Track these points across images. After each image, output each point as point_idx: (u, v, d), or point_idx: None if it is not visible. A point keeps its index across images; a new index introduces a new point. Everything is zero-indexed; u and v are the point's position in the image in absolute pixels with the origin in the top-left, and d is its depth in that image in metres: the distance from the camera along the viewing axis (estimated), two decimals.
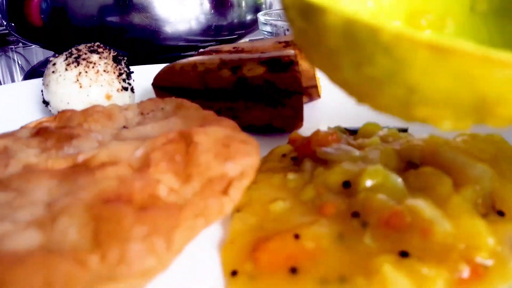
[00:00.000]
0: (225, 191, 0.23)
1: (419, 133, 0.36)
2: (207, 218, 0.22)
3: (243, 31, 0.81)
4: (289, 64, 0.38)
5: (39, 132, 0.28)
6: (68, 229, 0.16)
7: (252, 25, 0.82)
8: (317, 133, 0.32)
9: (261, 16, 0.64)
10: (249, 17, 0.79)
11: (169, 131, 0.26)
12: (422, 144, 0.28)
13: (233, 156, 0.24)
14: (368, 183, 0.25)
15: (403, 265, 0.20)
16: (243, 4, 0.77)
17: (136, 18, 0.69)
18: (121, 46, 0.74)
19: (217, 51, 0.48)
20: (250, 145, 0.26)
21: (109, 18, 0.70)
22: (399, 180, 0.25)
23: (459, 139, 0.28)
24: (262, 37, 0.72)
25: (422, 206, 0.22)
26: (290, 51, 0.41)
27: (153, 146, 0.25)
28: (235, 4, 0.75)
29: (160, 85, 0.43)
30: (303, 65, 0.44)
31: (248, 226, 0.25)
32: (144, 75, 0.52)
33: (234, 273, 0.22)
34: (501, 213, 0.24)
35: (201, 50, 0.50)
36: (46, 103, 0.41)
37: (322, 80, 0.48)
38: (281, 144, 0.36)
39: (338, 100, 0.46)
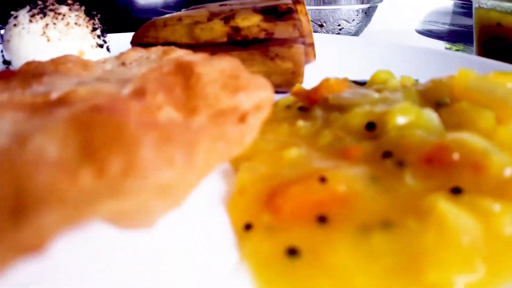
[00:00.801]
0: (241, 120, 0.18)
1: None
2: (228, 144, 0.17)
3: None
4: (287, 12, 0.34)
5: (2, 76, 0.23)
6: (45, 146, 0.12)
7: None
8: (327, 80, 0.29)
9: None
10: None
11: (160, 65, 0.22)
12: (450, 81, 0.24)
13: (243, 87, 0.20)
14: (400, 120, 0.21)
15: (461, 201, 0.17)
16: None
17: None
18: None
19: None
20: (260, 78, 0.21)
21: None
22: (434, 115, 0.22)
23: (489, 76, 0.25)
24: None
25: (471, 138, 0.19)
26: (287, 0, 0.37)
27: (144, 81, 0.20)
28: None
29: (141, 42, 0.38)
30: (301, 18, 0.40)
31: (259, 175, 0.21)
32: (119, 42, 0.47)
33: (248, 226, 0.18)
34: None
35: (184, 9, 0.45)
36: (7, 63, 0.36)
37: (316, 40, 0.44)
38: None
39: (333, 61, 0.43)
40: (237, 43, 0.34)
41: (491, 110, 0.21)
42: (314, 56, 0.43)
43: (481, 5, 0.43)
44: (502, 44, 0.41)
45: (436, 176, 0.18)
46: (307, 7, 0.52)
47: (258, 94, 0.20)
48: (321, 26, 0.54)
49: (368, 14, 0.56)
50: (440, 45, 0.96)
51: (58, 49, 0.33)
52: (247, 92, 0.20)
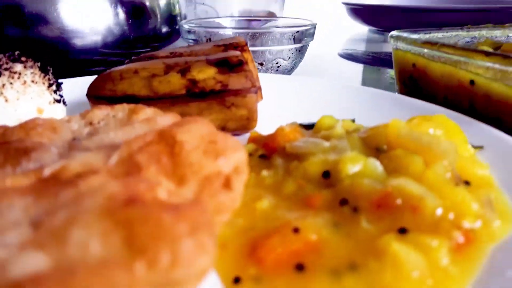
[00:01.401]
0: (227, 186, 0.21)
1: (366, 122, 0.38)
2: (223, 214, 0.20)
3: (158, 44, 0.78)
4: (239, 64, 0.38)
5: None
6: (87, 242, 0.13)
7: (168, 37, 0.79)
8: (282, 129, 0.32)
9: (184, 25, 0.63)
10: (164, 29, 0.77)
11: (142, 134, 0.24)
12: (384, 130, 0.29)
13: (222, 151, 0.23)
14: (350, 169, 0.26)
15: (408, 240, 0.21)
16: (159, 15, 0.75)
17: (42, 30, 0.62)
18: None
19: (153, 58, 0.45)
20: (233, 139, 0.25)
21: (10, 30, 0.62)
22: (377, 163, 0.26)
23: (415, 121, 0.31)
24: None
25: (409, 184, 0.23)
26: (236, 52, 0.40)
27: (130, 151, 0.22)
28: (151, 15, 0.72)
29: (97, 95, 0.39)
30: (249, 66, 0.44)
31: (238, 229, 0.24)
32: (71, 88, 0.48)
33: (237, 280, 0.21)
34: (467, 183, 0.26)
35: (134, 57, 0.47)
36: None
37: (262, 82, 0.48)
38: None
39: (278, 99, 0.47)
40: (195, 95, 0.37)
41: (419, 156, 0.26)
42: (261, 97, 0.47)
43: (398, 47, 0.50)
44: (418, 82, 0.48)
45: (386, 219, 0.23)
46: (251, 48, 0.57)
47: (234, 157, 0.23)
48: (261, 64, 0.59)
49: (301, 51, 0.61)
50: (360, 67, 1.06)
51: (16, 109, 0.34)
52: (226, 156, 0.23)
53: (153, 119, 0.28)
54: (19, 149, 0.23)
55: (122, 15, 0.66)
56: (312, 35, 0.63)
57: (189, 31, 0.62)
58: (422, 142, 0.27)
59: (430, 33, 0.53)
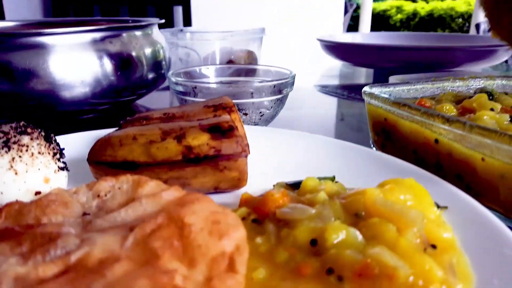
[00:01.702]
0: (232, 268, 0.24)
1: (345, 181, 0.42)
2: None
3: (145, 91, 0.81)
4: (229, 130, 0.42)
5: (3, 235, 0.26)
6: None
7: (154, 83, 0.83)
8: (271, 194, 0.36)
9: (171, 77, 0.67)
10: (150, 76, 0.80)
11: (153, 215, 0.27)
12: (362, 197, 0.34)
13: (225, 231, 0.26)
14: (334, 238, 0.30)
15: None
16: (145, 63, 0.78)
17: (32, 84, 0.64)
18: (15, 115, 0.68)
19: (147, 118, 0.49)
20: (232, 216, 0.28)
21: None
22: (357, 232, 0.30)
23: (388, 187, 0.35)
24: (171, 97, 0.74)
25: (385, 255, 0.27)
26: (226, 117, 0.44)
27: (143, 233, 0.25)
28: (138, 64, 0.75)
29: (98, 160, 0.42)
30: (237, 125, 0.48)
31: None
32: (68, 145, 0.50)
33: None
34: (434, 246, 0.31)
35: (128, 118, 0.50)
36: None
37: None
38: (229, 201, 0.40)
39: (264, 155, 0.51)
40: (190, 160, 0.40)
41: (393, 224, 0.31)
42: (249, 151, 0.51)
43: (370, 102, 0.56)
44: (390, 135, 0.53)
45: (368, 286, 0.26)
46: (234, 101, 0.61)
47: (236, 235, 0.27)
48: (246, 114, 0.63)
49: (282, 100, 0.66)
50: (335, 101, 1.13)
51: (25, 181, 0.36)
52: (228, 236, 0.26)
53: (158, 194, 0.31)
54: (44, 235, 0.26)
55: (110, 67, 0.69)
56: (292, 84, 0.68)
57: (176, 83, 0.66)
58: (395, 210, 0.31)
59: (400, 86, 0.59)
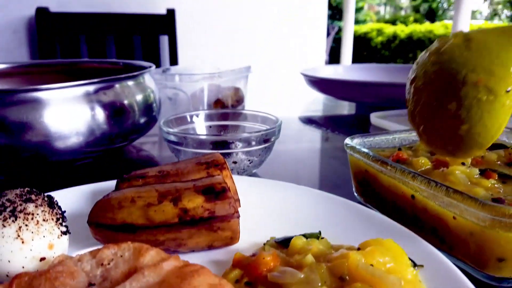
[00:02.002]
0: None
1: (330, 235, 0.46)
2: None
3: (137, 135, 0.84)
4: (222, 191, 0.45)
5: None
6: None
7: (146, 127, 0.86)
8: (262, 257, 0.39)
9: (163, 127, 0.70)
10: (142, 120, 0.83)
11: None
12: (344, 261, 0.37)
13: None
14: None
15: None
16: (137, 109, 0.81)
17: (27, 136, 0.66)
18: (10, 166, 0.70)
19: (143, 177, 0.52)
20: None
21: None
22: None
23: (369, 249, 0.39)
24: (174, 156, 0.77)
25: None
26: (218, 177, 0.47)
27: None
28: (130, 111, 0.78)
29: (99, 223, 0.44)
30: (228, 182, 0.51)
31: None
32: (65, 202, 0.52)
33: None
34: None
35: (125, 176, 0.52)
36: None
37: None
38: (222, 257, 0.42)
39: (254, 207, 0.54)
40: (186, 222, 0.43)
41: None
42: (239, 205, 0.54)
43: (352, 154, 0.60)
44: (371, 185, 0.57)
45: None
46: (224, 151, 0.64)
47: None
48: (235, 162, 0.66)
49: (269, 148, 0.70)
50: (319, 135, 1.17)
51: (31, 249, 0.38)
52: None
53: (159, 265, 0.34)
54: None
55: (103, 117, 0.72)
56: (278, 132, 0.72)
57: (168, 133, 0.69)
58: (375, 276, 0.35)
59: (380, 136, 0.63)
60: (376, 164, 0.53)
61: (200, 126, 0.79)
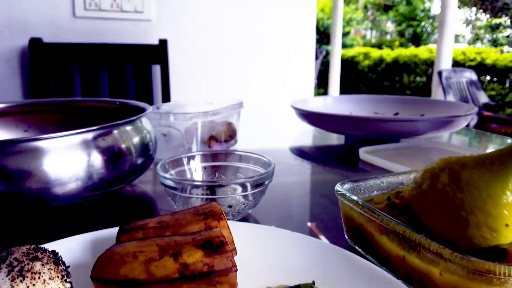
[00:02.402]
0: None
1: (323, 283, 0.48)
2: None
3: (134, 177, 0.86)
4: (220, 245, 0.47)
5: None
6: None
7: (143, 168, 0.88)
8: None
9: (160, 171, 0.72)
10: (139, 161, 0.85)
11: None
12: None
13: None
14: None
15: None
16: (134, 151, 0.83)
17: (26, 184, 0.68)
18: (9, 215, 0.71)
19: (143, 228, 0.53)
20: None
21: None
22: None
23: None
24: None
25: None
26: (216, 230, 0.50)
27: None
28: (127, 154, 0.81)
29: (102, 278, 0.46)
30: (225, 233, 0.53)
31: None
32: (66, 253, 0.54)
33: None
34: None
35: (125, 227, 0.54)
36: None
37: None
38: None
39: (250, 257, 0.56)
40: (186, 277, 0.45)
41: None
42: (236, 254, 0.56)
43: (343, 201, 0.62)
44: (362, 233, 0.59)
45: None
46: (220, 197, 0.66)
47: None
48: (230, 206, 0.69)
49: (263, 190, 0.72)
50: (309, 165, 1.20)
51: None
52: None
53: None
54: None
55: (101, 162, 0.74)
56: (271, 175, 0.74)
57: (164, 177, 0.71)
58: None
59: (370, 181, 0.66)
60: (366, 214, 0.56)
61: (196, 167, 0.82)
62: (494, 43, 13.46)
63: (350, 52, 14.02)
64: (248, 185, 0.68)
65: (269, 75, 2.94)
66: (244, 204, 0.70)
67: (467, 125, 1.55)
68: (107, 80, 2.48)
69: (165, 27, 2.71)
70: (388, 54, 12.32)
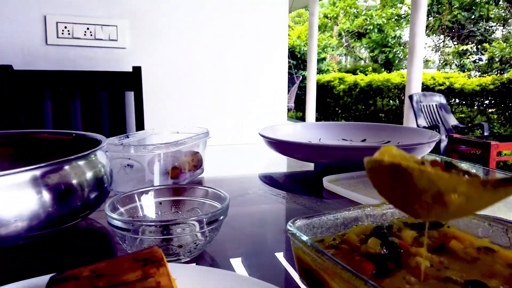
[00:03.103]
0: None
1: None
2: None
3: (88, 212, 0.82)
4: None
5: None
6: None
7: (97, 202, 0.84)
8: None
9: (107, 211, 0.69)
10: (93, 195, 0.82)
11: None
12: None
13: None
14: None
15: None
16: (86, 186, 0.79)
17: None
18: None
19: (75, 277, 0.50)
20: None
21: None
22: None
23: None
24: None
25: None
26: (151, 281, 0.47)
27: None
28: (78, 190, 0.77)
29: None
30: (164, 281, 0.50)
31: None
32: None
33: None
34: None
35: (56, 276, 0.51)
36: None
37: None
38: None
39: None
40: None
41: None
42: None
43: (294, 242, 0.60)
44: (313, 274, 0.57)
45: None
46: (169, 237, 0.63)
47: None
48: (180, 246, 0.66)
49: (217, 227, 0.70)
50: (275, 194, 1.18)
51: None
52: None
53: None
54: None
55: (48, 199, 0.70)
56: (227, 209, 0.72)
57: (112, 217, 0.68)
58: None
59: (324, 216, 0.65)
60: (315, 257, 0.54)
61: (149, 203, 0.79)
62: (462, 68, 14.03)
63: (326, 77, 14.34)
64: (196, 224, 0.65)
65: (242, 102, 2.95)
66: (195, 243, 0.68)
67: (438, 147, 1.58)
68: (79, 108, 2.43)
69: (139, 54, 2.70)
70: (362, 79, 12.66)
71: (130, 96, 2.63)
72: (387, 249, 0.57)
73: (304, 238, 0.57)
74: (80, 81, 2.40)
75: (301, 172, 1.55)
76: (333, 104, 13.98)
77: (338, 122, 1.90)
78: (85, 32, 2.64)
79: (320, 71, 16.19)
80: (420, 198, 0.44)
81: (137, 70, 2.47)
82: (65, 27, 2.60)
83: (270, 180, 1.42)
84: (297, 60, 15.71)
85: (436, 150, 5.25)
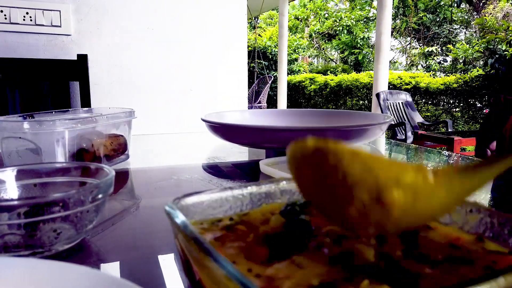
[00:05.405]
0: None
1: None
2: None
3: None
4: None
5: None
6: None
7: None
8: None
9: None
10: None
11: None
12: None
13: None
14: None
15: None
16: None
17: None
18: None
19: None
20: None
21: None
22: None
23: None
24: None
25: None
26: None
27: None
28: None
29: None
30: None
31: None
32: None
33: None
34: None
35: None
36: None
37: None
38: None
39: None
40: None
41: None
42: None
43: (171, 225, 0.45)
44: (189, 266, 0.43)
45: None
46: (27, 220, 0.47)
47: None
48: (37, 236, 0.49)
49: (97, 210, 0.54)
50: (215, 183, 1.03)
51: None
52: None
53: None
54: None
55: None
56: (110, 185, 0.56)
57: None
58: None
59: (212, 194, 0.50)
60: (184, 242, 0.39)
61: (11, 186, 0.62)
62: (428, 69, 14.32)
63: (298, 78, 14.37)
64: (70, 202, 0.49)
65: (197, 94, 2.79)
66: (56, 231, 0.51)
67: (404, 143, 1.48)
68: (18, 99, 2.21)
69: (85, 42, 2.50)
70: (332, 79, 12.74)
71: (76, 86, 2.42)
72: (293, 228, 0.43)
73: (179, 219, 0.42)
74: (19, 69, 2.19)
75: (251, 160, 1.41)
76: (305, 104, 14.05)
77: (290, 109, 1.77)
78: (24, 16, 2.41)
79: (291, 71, 16.25)
80: (354, 197, 0.30)
81: (82, 58, 2.27)
82: (1, 11, 2.37)
83: (214, 169, 1.27)
84: (269, 61, 15.71)
85: None
